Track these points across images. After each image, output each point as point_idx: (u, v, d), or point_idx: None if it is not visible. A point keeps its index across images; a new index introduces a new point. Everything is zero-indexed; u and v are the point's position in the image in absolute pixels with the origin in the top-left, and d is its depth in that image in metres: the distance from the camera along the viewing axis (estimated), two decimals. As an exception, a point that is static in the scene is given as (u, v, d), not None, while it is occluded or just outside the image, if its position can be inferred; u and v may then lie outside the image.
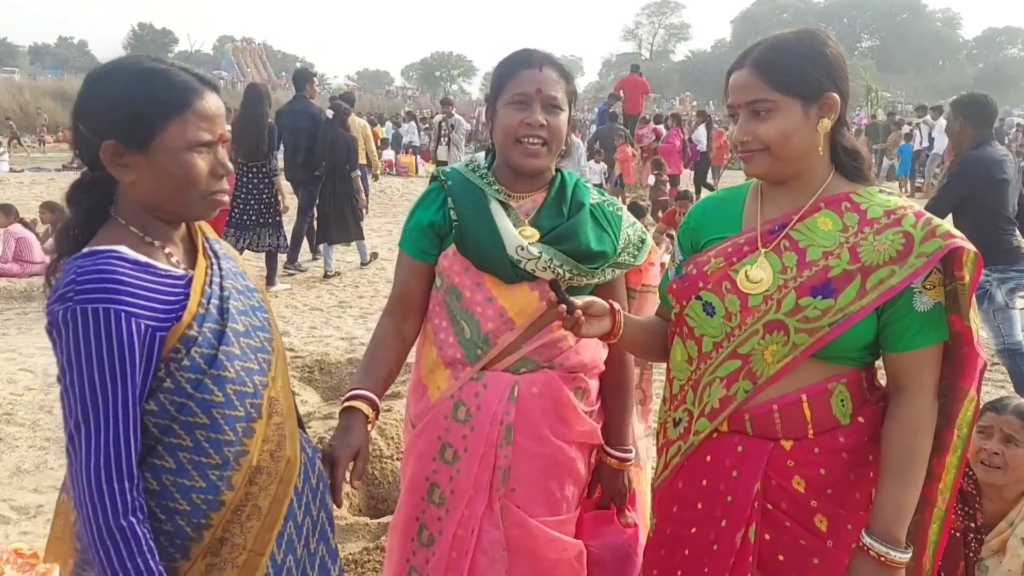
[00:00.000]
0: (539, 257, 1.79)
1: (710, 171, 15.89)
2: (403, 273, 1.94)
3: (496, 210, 1.84)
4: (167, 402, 1.38)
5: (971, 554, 2.35)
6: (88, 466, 1.29)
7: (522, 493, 1.84)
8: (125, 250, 1.36)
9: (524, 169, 1.85)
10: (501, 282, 1.82)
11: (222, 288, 1.47)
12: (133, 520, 1.30)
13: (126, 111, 1.36)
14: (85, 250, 1.36)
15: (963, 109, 4.62)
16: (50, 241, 8.64)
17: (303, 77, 8.69)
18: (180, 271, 1.43)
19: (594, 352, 1.91)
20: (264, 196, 7.42)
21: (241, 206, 7.35)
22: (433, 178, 1.97)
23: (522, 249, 1.79)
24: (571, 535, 1.91)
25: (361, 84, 69.99)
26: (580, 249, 1.82)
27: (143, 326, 1.31)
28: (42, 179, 16.76)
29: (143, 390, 1.34)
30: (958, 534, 2.35)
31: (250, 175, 7.37)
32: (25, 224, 8.50)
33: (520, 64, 1.84)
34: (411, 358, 2.02)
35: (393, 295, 1.95)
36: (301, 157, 8.10)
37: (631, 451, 1.99)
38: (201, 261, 1.47)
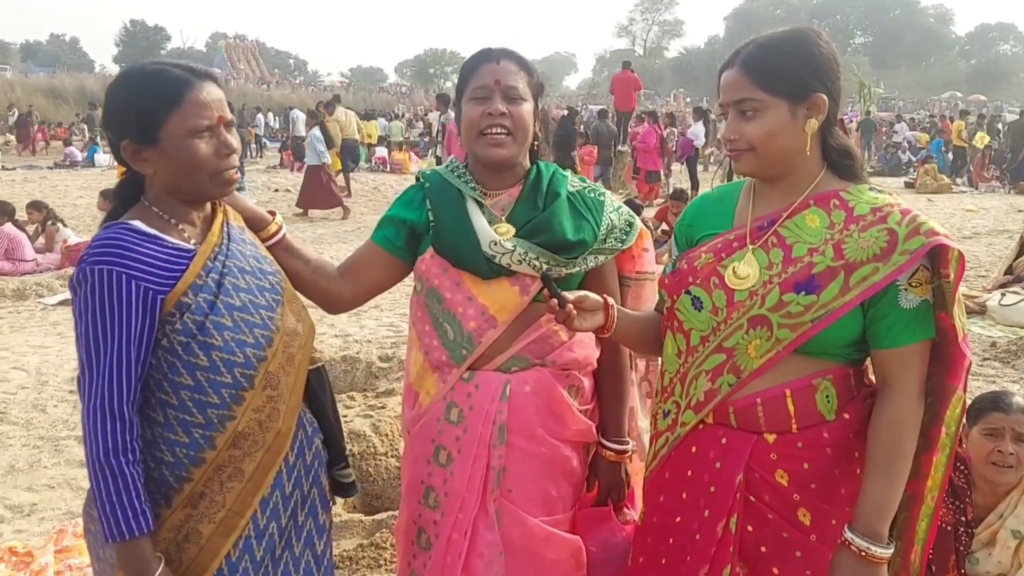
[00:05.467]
0: (513, 251, 1.78)
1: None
2: (360, 248, 1.97)
3: (471, 208, 1.85)
4: (162, 359, 1.53)
5: (961, 547, 2.37)
6: (88, 407, 1.47)
7: (519, 493, 1.83)
8: (137, 224, 1.55)
9: (491, 161, 1.84)
10: (479, 279, 1.82)
11: (224, 265, 1.60)
12: (122, 460, 1.46)
13: (132, 112, 1.55)
14: (107, 224, 1.57)
15: None
16: (40, 240, 8.63)
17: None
18: (188, 245, 1.59)
19: (587, 349, 1.89)
20: None
21: None
22: (416, 178, 2.00)
23: (495, 244, 1.79)
24: (572, 533, 1.90)
25: (354, 80, 69.88)
26: (556, 240, 1.81)
27: (143, 287, 1.48)
28: (34, 177, 16.71)
29: (147, 345, 1.50)
30: (949, 528, 2.37)
31: None
32: (17, 224, 8.46)
33: (479, 60, 1.86)
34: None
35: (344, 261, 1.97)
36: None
37: (628, 443, 1.98)
38: (210, 239, 1.62)
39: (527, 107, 1.83)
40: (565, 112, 14.50)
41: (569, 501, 1.92)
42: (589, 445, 1.96)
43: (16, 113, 27.33)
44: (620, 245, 1.91)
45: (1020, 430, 2.30)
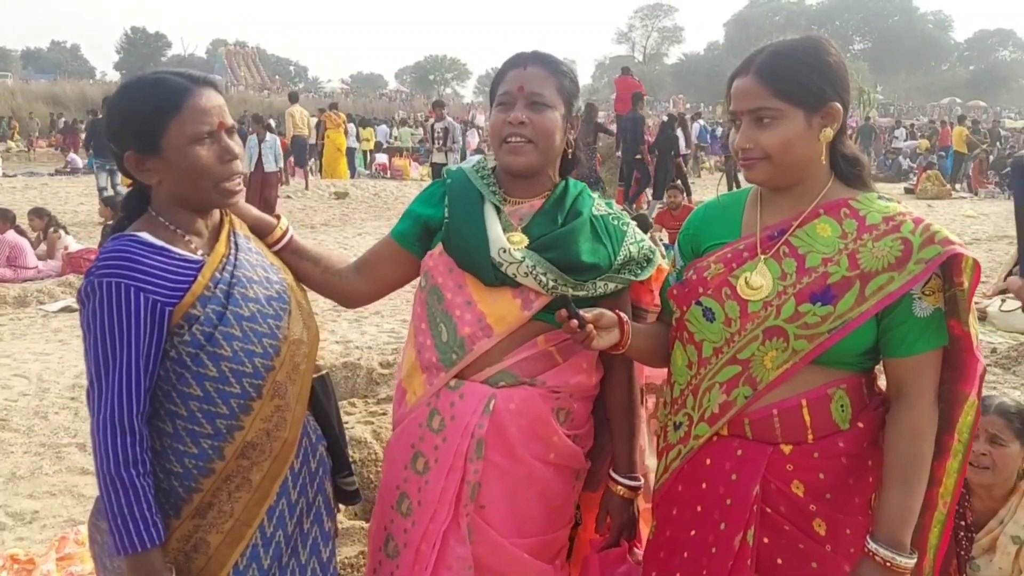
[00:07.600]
0: (521, 261, 1.74)
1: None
2: (378, 242, 1.97)
3: (488, 211, 1.82)
4: (171, 370, 1.53)
5: (962, 553, 2.37)
6: (97, 419, 1.47)
7: (491, 510, 1.78)
8: (145, 235, 1.54)
9: (512, 168, 1.82)
10: (482, 286, 1.78)
11: (232, 275, 1.60)
12: (133, 472, 1.46)
13: (133, 122, 1.54)
14: (114, 236, 1.57)
15: None
16: (42, 246, 8.64)
17: (639, 98, 13.22)
18: (196, 256, 1.58)
19: (582, 375, 1.83)
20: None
21: None
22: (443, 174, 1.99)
23: (504, 251, 1.74)
24: (544, 560, 1.84)
25: (355, 87, 69.94)
26: (567, 259, 1.77)
27: (151, 300, 1.48)
28: (35, 183, 16.71)
29: (155, 357, 1.50)
30: (949, 533, 2.37)
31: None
32: (19, 230, 8.47)
33: (508, 66, 1.84)
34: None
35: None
36: (628, 146, 12.89)
37: (640, 480, 1.92)
38: (218, 249, 1.61)
39: (552, 115, 1.79)
40: (664, 118, 13.88)
41: (545, 525, 1.84)
42: (579, 471, 1.90)
43: (63, 120, 28.20)
44: (634, 278, 1.86)
45: (993, 431, 2.30)
